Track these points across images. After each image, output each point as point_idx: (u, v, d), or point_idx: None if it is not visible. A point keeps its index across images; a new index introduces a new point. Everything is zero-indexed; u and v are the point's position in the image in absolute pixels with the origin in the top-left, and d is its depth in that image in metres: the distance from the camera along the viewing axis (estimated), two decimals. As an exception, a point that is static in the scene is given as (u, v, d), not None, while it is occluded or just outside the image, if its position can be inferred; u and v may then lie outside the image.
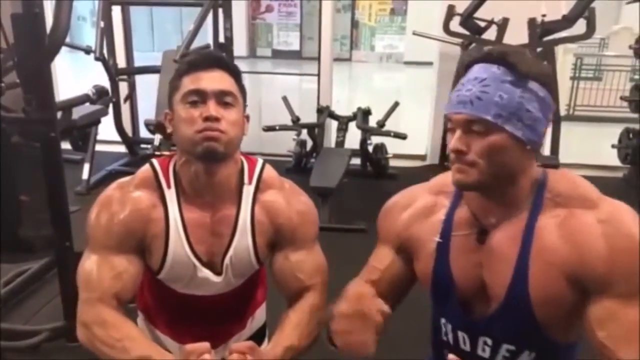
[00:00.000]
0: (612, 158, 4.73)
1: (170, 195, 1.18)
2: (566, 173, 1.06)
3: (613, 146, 4.68)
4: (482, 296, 1.06)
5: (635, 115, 4.67)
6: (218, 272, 1.22)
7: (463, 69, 1.02)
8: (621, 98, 4.76)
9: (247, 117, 1.20)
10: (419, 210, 1.15)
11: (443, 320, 1.15)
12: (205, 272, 1.21)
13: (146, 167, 1.22)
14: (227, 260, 1.21)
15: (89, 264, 1.17)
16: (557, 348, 1.06)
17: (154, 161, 1.22)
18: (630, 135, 4.58)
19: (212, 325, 1.31)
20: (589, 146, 5.84)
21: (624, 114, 5.67)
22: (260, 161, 1.27)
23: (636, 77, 7.83)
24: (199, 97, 1.11)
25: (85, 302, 1.16)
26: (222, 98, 1.12)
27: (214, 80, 1.13)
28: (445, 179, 1.13)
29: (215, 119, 1.09)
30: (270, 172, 1.27)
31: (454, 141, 0.97)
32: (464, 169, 0.97)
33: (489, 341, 1.07)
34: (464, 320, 1.09)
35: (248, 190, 1.22)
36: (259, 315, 1.44)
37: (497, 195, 1.02)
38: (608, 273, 0.93)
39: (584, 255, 0.94)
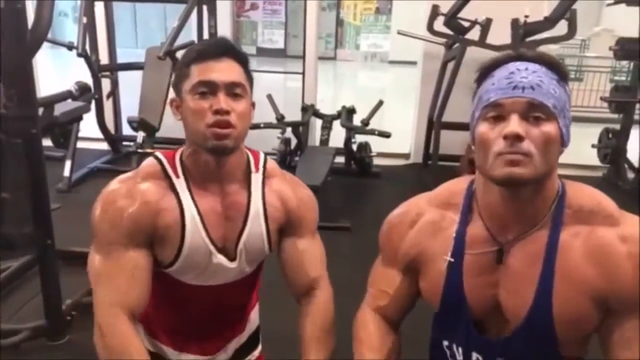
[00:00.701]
0: (592, 158, 4.81)
1: (180, 183, 1.17)
2: (585, 187, 1.02)
3: (593, 146, 4.76)
4: (497, 316, 1.02)
5: (615, 116, 4.75)
6: (232, 258, 1.23)
7: (492, 66, 0.98)
8: (601, 98, 4.82)
9: (253, 105, 1.21)
10: (427, 226, 1.08)
11: (447, 343, 1.10)
12: (219, 258, 1.21)
13: (150, 160, 1.21)
14: (241, 245, 1.22)
15: (98, 265, 1.14)
16: None
17: (158, 154, 1.22)
18: (610, 135, 4.66)
19: (212, 328, 1.33)
20: (570, 146, 5.90)
21: (604, 114, 5.76)
22: (262, 153, 1.30)
23: (616, 78, 7.96)
24: (209, 88, 1.11)
25: (101, 305, 1.13)
26: (232, 90, 1.12)
27: (223, 71, 1.12)
28: (452, 190, 1.09)
29: (225, 112, 1.10)
30: (273, 163, 1.30)
31: (513, 125, 0.89)
32: (519, 160, 0.89)
33: None
34: (479, 341, 1.04)
35: (256, 178, 1.24)
36: (254, 318, 1.46)
37: (522, 204, 0.96)
38: (634, 295, 0.91)
39: (611, 275, 0.92)
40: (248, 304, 1.42)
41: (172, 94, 1.21)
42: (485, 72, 0.98)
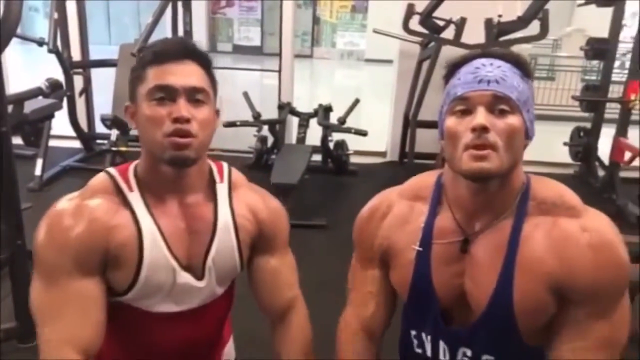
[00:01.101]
0: (563, 155, 4.89)
1: (135, 197, 1.06)
2: (549, 180, 1.05)
3: (565, 144, 4.85)
4: (463, 305, 1.04)
5: (586, 115, 4.85)
6: (199, 277, 1.11)
7: (458, 63, 1.01)
8: (573, 97, 4.92)
9: (218, 112, 1.10)
10: (397, 218, 1.10)
11: (415, 332, 1.12)
12: (185, 277, 1.08)
13: (100, 175, 1.09)
14: (209, 261, 1.11)
15: (43, 298, 1.01)
16: (533, 354, 1.05)
17: (109, 168, 1.10)
18: (581, 134, 4.75)
19: None
20: (542, 144, 6.00)
21: (575, 113, 5.87)
22: (225, 163, 1.20)
23: (587, 77, 8.13)
24: (167, 94, 1.00)
25: (47, 344, 0.99)
26: (193, 95, 1.01)
27: (184, 74, 1.01)
28: (421, 183, 1.11)
29: (185, 120, 0.99)
30: (238, 173, 1.21)
31: (480, 117, 0.92)
32: (485, 155, 0.92)
33: (469, 352, 1.05)
34: (446, 330, 1.06)
35: (222, 188, 1.14)
36: (228, 353, 1.35)
37: (489, 196, 0.99)
38: (590, 284, 0.94)
39: (570, 267, 0.94)
40: (219, 340, 1.29)
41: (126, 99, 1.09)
42: (452, 69, 1.02)
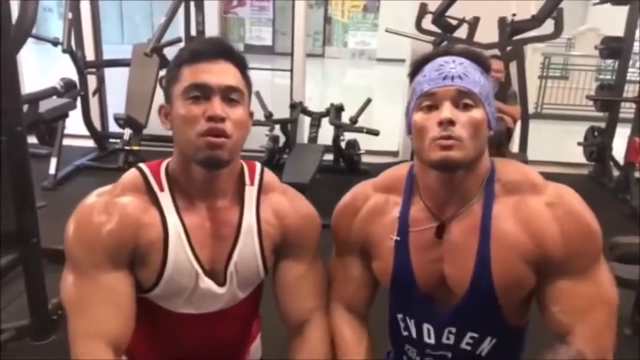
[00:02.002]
0: (578, 155, 4.85)
1: (165, 197, 1.05)
2: (512, 162, 1.10)
3: (579, 144, 4.80)
4: (444, 288, 1.09)
5: (600, 114, 4.80)
6: (221, 283, 1.10)
7: (422, 62, 1.06)
8: (587, 97, 4.87)
9: (252, 114, 1.09)
10: (372, 210, 1.14)
11: (400, 316, 1.17)
12: (207, 282, 1.08)
13: (132, 171, 1.08)
14: (231, 267, 1.09)
15: (76, 290, 1.01)
16: (514, 332, 1.13)
17: (142, 165, 1.09)
18: (596, 133, 4.70)
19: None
20: (556, 144, 5.97)
21: (589, 112, 5.82)
22: (259, 165, 1.17)
23: (601, 76, 8.05)
24: (202, 92, 0.99)
25: (78, 337, 1.00)
26: (228, 94, 1.00)
27: (219, 73, 1.00)
28: (394, 175, 1.16)
29: (220, 119, 0.98)
30: (271, 175, 1.18)
31: (446, 112, 0.97)
32: (452, 145, 0.97)
33: (454, 330, 1.10)
34: (429, 313, 1.11)
35: (251, 191, 1.12)
36: (254, 351, 1.33)
37: (457, 184, 1.03)
38: (562, 254, 0.99)
39: (540, 238, 1.00)
40: (246, 338, 1.28)
41: (160, 98, 1.09)
42: (416, 67, 1.07)
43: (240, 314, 1.20)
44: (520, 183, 1.04)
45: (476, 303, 1.05)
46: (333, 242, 1.22)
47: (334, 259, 1.23)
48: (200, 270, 1.07)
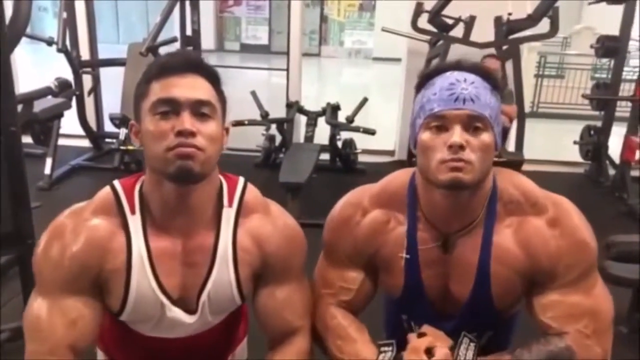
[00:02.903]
0: (574, 154, 4.85)
1: (135, 221, 1.01)
2: (511, 177, 1.11)
3: (575, 143, 4.80)
4: (447, 299, 1.14)
5: (596, 113, 4.81)
6: (192, 311, 1.06)
7: (432, 74, 1.05)
8: (583, 96, 4.88)
9: (227, 130, 1.04)
10: (373, 226, 1.14)
11: (405, 317, 1.21)
12: (175, 312, 1.04)
13: (106, 190, 1.05)
14: (204, 296, 1.05)
15: (37, 309, 1.00)
16: (508, 322, 1.23)
17: (116, 183, 1.05)
18: (591, 132, 4.71)
19: None
20: (552, 142, 5.99)
21: (585, 111, 5.83)
22: (241, 180, 1.11)
23: (597, 75, 8.07)
24: (171, 107, 0.94)
25: (33, 356, 1.00)
26: (198, 109, 0.95)
27: (188, 87, 0.96)
28: (393, 188, 1.15)
29: (190, 133, 0.93)
30: (253, 192, 1.11)
31: (457, 136, 0.97)
32: (462, 167, 0.97)
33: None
34: (433, 319, 1.13)
35: (228, 214, 1.06)
36: (240, 353, 1.30)
37: (461, 204, 1.05)
38: (557, 268, 1.04)
39: (537, 257, 1.05)
40: (228, 345, 1.25)
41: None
42: (425, 80, 1.05)
43: (219, 334, 1.18)
44: (521, 203, 1.07)
45: (476, 311, 1.12)
46: (327, 252, 1.21)
47: (328, 269, 1.20)
48: (165, 300, 1.03)
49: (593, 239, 1.05)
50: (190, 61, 1.00)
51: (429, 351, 1.04)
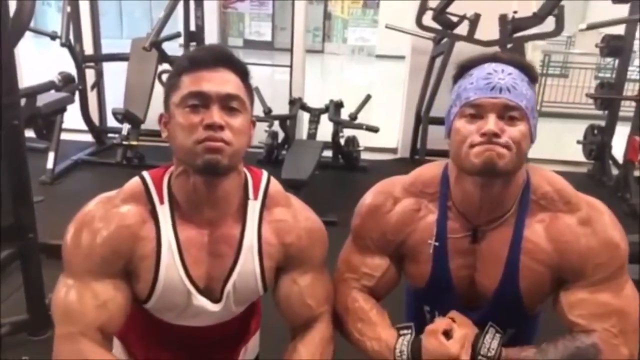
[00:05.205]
0: (577, 154, 4.84)
1: (163, 211, 1.04)
2: (545, 174, 1.12)
3: (578, 142, 4.79)
4: (472, 292, 1.14)
5: (600, 112, 4.79)
6: (216, 300, 1.09)
7: (469, 65, 1.05)
8: (587, 95, 4.86)
9: (254, 123, 1.07)
10: (404, 213, 1.15)
11: (428, 308, 1.22)
12: (201, 300, 1.07)
13: (135, 180, 1.08)
14: (229, 286, 1.08)
15: (68, 292, 1.02)
16: (531, 320, 1.23)
17: (145, 174, 1.08)
18: (595, 132, 4.69)
19: (201, 358, 1.21)
20: (556, 142, 5.96)
21: (589, 110, 5.80)
22: (265, 174, 1.15)
23: (601, 74, 8.03)
24: (201, 101, 0.97)
25: (63, 338, 1.02)
26: (227, 102, 0.98)
27: (218, 81, 0.99)
28: (426, 178, 1.15)
29: (218, 127, 0.96)
30: (276, 186, 1.15)
31: (491, 124, 0.97)
32: (499, 150, 0.97)
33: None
34: (460, 310, 1.13)
35: (254, 206, 1.09)
36: (253, 346, 1.33)
37: (494, 193, 1.05)
38: (587, 268, 1.04)
39: (567, 255, 1.05)
40: (242, 337, 1.28)
41: (159, 93, 1.08)
42: (463, 70, 1.06)
43: (237, 323, 1.21)
44: (555, 200, 1.07)
45: (502, 306, 1.11)
46: (354, 237, 1.22)
47: (354, 254, 1.22)
48: (193, 289, 1.06)
49: (624, 240, 1.06)
50: (220, 55, 1.02)
51: (447, 334, 1.05)
